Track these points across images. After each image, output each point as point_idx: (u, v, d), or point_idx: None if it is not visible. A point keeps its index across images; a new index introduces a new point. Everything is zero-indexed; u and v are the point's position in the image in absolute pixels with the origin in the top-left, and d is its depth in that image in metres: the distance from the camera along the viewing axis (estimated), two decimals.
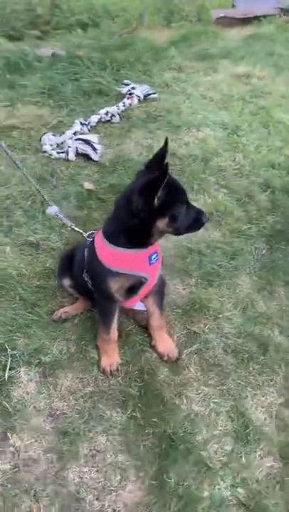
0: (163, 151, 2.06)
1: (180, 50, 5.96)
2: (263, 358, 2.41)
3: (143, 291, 2.34)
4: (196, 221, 2.13)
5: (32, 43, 6.07)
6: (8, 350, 2.40)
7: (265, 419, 2.17)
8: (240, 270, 2.90)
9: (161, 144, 2.03)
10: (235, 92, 4.95)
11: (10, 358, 2.37)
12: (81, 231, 2.54)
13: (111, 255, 2.19)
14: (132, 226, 2.06)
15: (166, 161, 2.10)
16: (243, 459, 2.02)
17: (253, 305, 2.68)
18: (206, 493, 1.91)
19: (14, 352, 2.40)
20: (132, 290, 2.30)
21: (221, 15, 7.16)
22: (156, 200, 1.94)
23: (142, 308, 2.49)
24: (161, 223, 2.03)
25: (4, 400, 2.22)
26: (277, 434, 2.10)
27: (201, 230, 3.03)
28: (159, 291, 2.42)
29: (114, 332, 2.36)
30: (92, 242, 2.32)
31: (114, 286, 2.23)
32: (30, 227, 3.18)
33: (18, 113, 4.43)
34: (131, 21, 6.73)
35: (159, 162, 2.04)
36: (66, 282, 2.62)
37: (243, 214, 3.32)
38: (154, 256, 2.23)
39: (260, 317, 2.62)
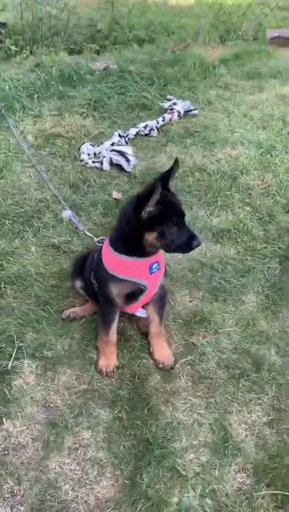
0: (169, 172, 2.18)
1: (230, 68, 6.04)
2: (254, 375, 2.43)
3: (144, 298, 2.45)
4: (187, 244, 2.19)
5: (89, 57, 6.39)
6: (17, 342, 2.59)
7: (245, 435, 2.19)
8: (248, 288, 2.93)
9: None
10: (276, 112, 4.96)
11: (16, 349, 2.55)
12: (92, 236, 2.69)
13: (113, 261, 2.33)
14: (127, 235, 2.19)
15: (171, 180, 2.21)
16: (217, 471, 2.05)
17: (254, 323, 2.71)
18: (174, 499, 1.97)
19: (21, 344, 2.59)
20: (132, 296, 2.42)
21: (276, 34, 7.15)
22: (143, 213, 2.06)
23: (144, 315, 2.59)
24: (150, 237, 2.15)
25: (5, 387, 2.39)
26: (255, 452, 2.12)
27: (218, 246, 3.13)
28: (160, 300, 2.52)
29: (113, 334, 2.48)
30: (101, 247, 2.46)
31: (115, 290, 2.36)
32: (57, 230, 3.39)
33: (63, 122, 4.71)
34: (186, 38, 6.88)
35: (165, 178, 2.17)
36: (78, 284, 2.78)
37: (261, 233, 3.34)
38: (155, 265, 2.34)
39: (259, 336, 2.64)
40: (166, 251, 2.27)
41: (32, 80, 5.40)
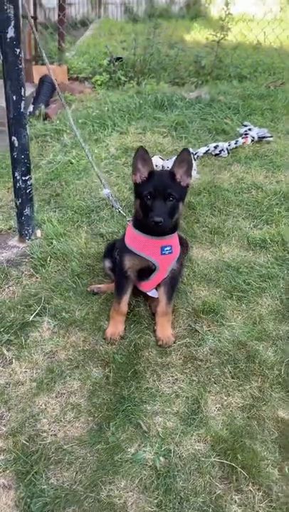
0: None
1: None
2: (243, 365, 2.48)
3: (155, 278, 2.68)
4: (151, 218, 2.42)
5: (188, 88, 6.91)
6: (43, 303, 2.96)
7: (216, 414, 2.26)
8: (266, 292, 2.97)
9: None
10: None
11: (40, 308, 2.91)
12: (125, 215, 3.01)
13: (131, 236, 2.64)
14: (135, 204, 2.51)
15: (177, 166, 2.48)
16: (178, 436, 2.15)
17: (261, 323, 2.75)
18: (131, 450, 2.11)
19: (47, 305, 2.95)
20: (144, 273, 2.67)
21: None
22: (133, 177, 2.45)
23: (155, 296, 2.80)
24: (137, 202, 2.51)
25: (23, 336, 2.75)
26: (220, 429, 2.17)
27: (249, 253, 3.24)
28: (171, 283, 2.72)
29: (124, 305, 2.73)
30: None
31: (128, 263, 2.64)
32: (109, 223, 3.77)
33: (144, 139, 5.18)
34: (284, 77, 7.08)
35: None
36: (107, 264, 3.09)
37: None
38: (167, 248, 2.58)
39: (261, 334, 2.67)
40: (147, 223, 2.48)
41: (128, 103, 6.02)
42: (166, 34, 8.17)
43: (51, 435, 2.21)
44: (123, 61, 7.74)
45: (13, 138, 3.19)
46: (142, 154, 2.47)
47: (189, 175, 2.54)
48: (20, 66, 2.98)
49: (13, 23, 2.82)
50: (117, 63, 7.53)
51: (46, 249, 3.41)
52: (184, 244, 3.28)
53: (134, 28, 8.73)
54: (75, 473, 2.03)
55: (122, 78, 7.28)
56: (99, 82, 7.33)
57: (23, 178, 3.34)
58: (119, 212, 3.12)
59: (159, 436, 2.16)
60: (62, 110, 6.33)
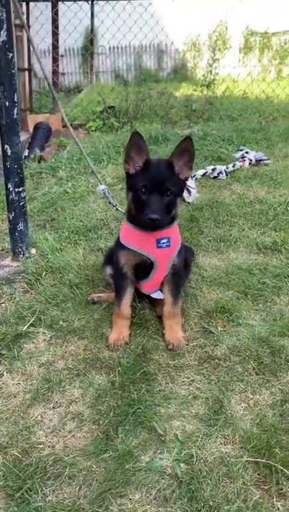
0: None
1: None
2: (268, 360, 2.17)
3: (155, 275, 2.42)
4: (146, 215, 2.17)
5: (181, 128, 7.00)
6: (38, 314, 2.67)
7: (243, 414, 1.91)
8: (282, 290, 2.70)
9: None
10: None
11: (35, 318, 2.62)
12: (123, 211, 2.80)
13: (125, 231, 2.41)
14: (127, 196, 2.29)
15: (177, 156, 2.27)
16: (200, 439, 1.80)
17: (283, 318, 2.45)
18: (145, 458, 1.75)
19: (42, 316, 2.66)
20: (142, 271, 2.41)
21: None
22: (126, 166, 2.22)
23: (160, 297, 2.53)
24: (130, 195, 2.27)
25: (16, 348, 2.44)
26: (250, 428, 1.82)
27: (260, 256, 3.02)
28: (174, 279, 2.45)
29: (125, 307, 2.45)
30: None
31: (122, 259, 2.39)
32: (107, 239, 3.56)
33: None
34: (278, 116, 7.22)
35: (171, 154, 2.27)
36: (108, 271, 2.83)
37: None
38: (163, 240, 2.33)
39: (285, 330, 2.37)
40: (141, 218, 2.25)
41: (123, 140, 6.04)
42: (157, 89, 8.47)
43: (48, 447, 1.85)
44: (116, 109, 7.94)
45: (6, 146, 3.05)
46: (136, 141, 2.20)
47: (190, 167, 2.31)
48: (13, 71, 2.91)
49: (5, 26, 2.78)
50: (110, 111, 7.70)
51: (41, 263, 3.16)
52: (189, 251, 3.06)
53: (126, 89, 9.09)
54: (78, 488, 1.66)
55: (116, 124, 7.40)
56: (93, 128, 7.44)
57: (16, 189, 3.17)
58: (116, 209, 2.92)
59: (177, 440, 1.81)
60: (57, 152, 6.36)
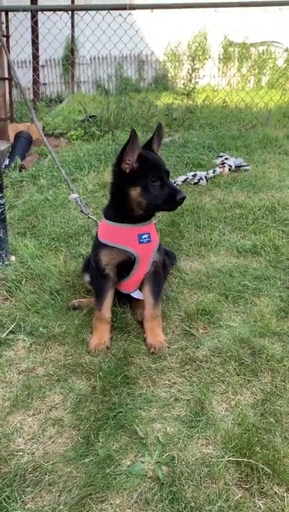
0: (152, 135, 2.30)
1: None
2: (249, 361, 2.17)
3: (136, 273, 2.42)
4: (171, 198, 2.20)
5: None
6: (18, 321, 2.64)
7: (223, 414, 1.91)
8: (263, 292, 2.72)
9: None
10: None
11: (15, 325, 2.59)
12: (95, 219, 2.79)
13: (104, 229, 2.40)
14: (115, 195, 2.26)
15: (155, 143, 2.31)
16: (181, 441, 1.79)
17: (263, 320, 2.47)
18: (127, 462, 1.73)
19: (22, 323, 2.62)
20: (124, 269, 2.40)
21: None
22: (124, 165, 2.14)
23: (140, 297, 2.52)
24: (135, 192, 2.21)
25: None
26: (231, 428, 1.81)
27: (240, 259, 3.03)
28: (155, 279, 2.45)
29: (105, 310, 2.43)
30: None
31: (104, 259, 2.37)
32: (88, 245, 3.54)
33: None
34: (255, 122, 7.33)
35: (149, 141, 2.29)
36: (87, 278, 2.81)
37: None
38: (145, 235, 2.35)
39: (265, 330, 2.38)
40: (154, 209, 2.28)
41: (104, 149, 6.05)
42: (138, 99, 8.54)
43: (28, 454, 1.82)
44: (97, 118, 7.96)
45: None
46: (136, 138, 2.17)
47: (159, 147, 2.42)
48: None
49: None
50: (91, 120, 7.72)
51: (21, 270, 3.13)
52: (171, 256, 3.07)
53: (107, 98, 9.13)
54: (58, 494, 1.63)
55: (97, 133, 7.41)
56: (74, 137, 7.43)
57: None
58: (89, 217, 2.91)
59: (159, 443, 1.79)
60: (38, 161, 6.34)
